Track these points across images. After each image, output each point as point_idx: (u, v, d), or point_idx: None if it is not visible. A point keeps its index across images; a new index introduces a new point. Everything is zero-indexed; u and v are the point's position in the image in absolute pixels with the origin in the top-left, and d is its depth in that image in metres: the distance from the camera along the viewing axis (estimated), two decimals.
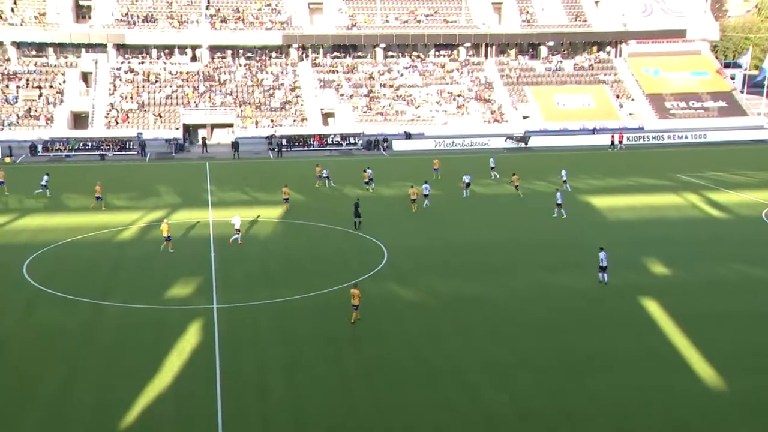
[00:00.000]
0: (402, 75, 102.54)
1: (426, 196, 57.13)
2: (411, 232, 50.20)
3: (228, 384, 28.10)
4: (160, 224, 47.20)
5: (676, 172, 70.88)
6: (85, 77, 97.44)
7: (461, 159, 78.82)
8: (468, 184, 59.85)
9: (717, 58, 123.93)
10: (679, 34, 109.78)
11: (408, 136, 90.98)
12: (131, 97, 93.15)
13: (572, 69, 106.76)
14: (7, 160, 76.33)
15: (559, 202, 54.02)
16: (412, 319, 34.49)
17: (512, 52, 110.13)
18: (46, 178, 61.41)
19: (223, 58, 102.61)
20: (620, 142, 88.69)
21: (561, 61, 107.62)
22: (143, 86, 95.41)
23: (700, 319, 34.31)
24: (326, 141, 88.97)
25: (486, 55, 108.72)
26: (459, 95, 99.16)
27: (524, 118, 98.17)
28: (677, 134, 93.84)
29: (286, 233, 49.69)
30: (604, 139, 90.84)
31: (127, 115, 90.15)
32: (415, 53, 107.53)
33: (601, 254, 38.30)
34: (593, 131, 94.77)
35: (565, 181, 63.68)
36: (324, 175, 64.95)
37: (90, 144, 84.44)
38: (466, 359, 30.24)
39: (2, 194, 61.29)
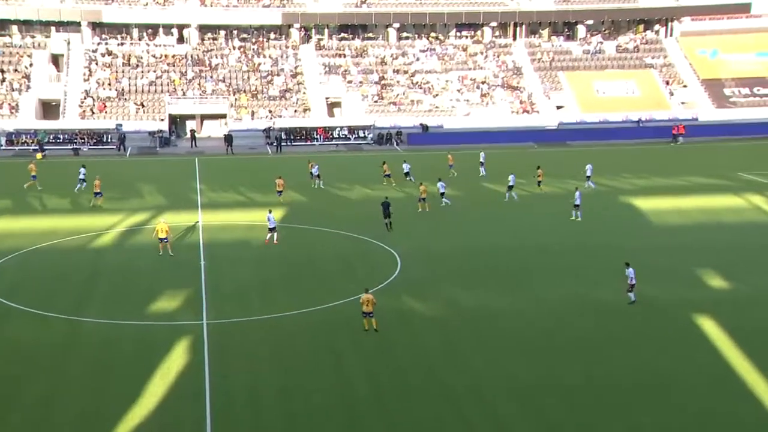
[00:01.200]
0: (418, 59, 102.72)
1: (442, 194, 57.33)
2: (425, 236, 50.38)
3: (219, 410, 28.20)
4: (145, 227, 47.50)
5: (736, 170, 70.73)
6: (56, 60, 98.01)
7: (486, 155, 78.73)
8: (511, 186, 59.63)
9: None
10: (743, 9, 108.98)
11: (425, 128, 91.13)
12: (109, 84, 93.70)
13: (614, 51, 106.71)
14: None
15: (577, 202, 54.09)
16: (428, 335, 34.55)
17: (545, 32, 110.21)
18: (83, 171, 63.14)
19: (215, 39, 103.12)
20: (681, 134, 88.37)
21: (601, 43, 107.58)
22: (123, 71, 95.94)
23: (761, 336, 34.23)
24: (332, 134, 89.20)
25: (514, 37, 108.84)
26: (483, 82, 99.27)
27: (558, 108, 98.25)
28: (738, 126, 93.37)
29: (285, 239, 49.77)
30: (652, 133, 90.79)
31: (104, 104, 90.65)
32: (433, 34, 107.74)
33: (629, 271, 37.96)
34: (638, 123, 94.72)
35: (588, 177, 63.77)
36: (314, 173, 64.80)
37: (61, 137, 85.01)
38: (490, 381, 30.28)
39: (35, 189, 62.94)
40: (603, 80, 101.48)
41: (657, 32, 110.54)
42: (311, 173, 64.63)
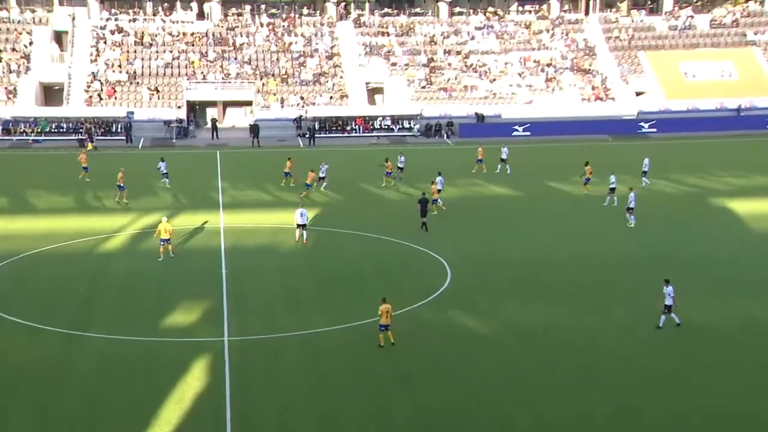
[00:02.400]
0: (473, 38, 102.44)
1: (439, 191, 56.87)
2: (478, 242, 50.37)
3: None
4: (155, 231, 47.76)
5: None
6: (59, 38, 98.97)
7: (557, 149, 78.41)
8: (613, 189, 58.69)
9: None
10: None
11: (480, 118, 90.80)
12: (119, 66, 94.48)
13: (707, 26, 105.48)
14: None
15: (632, 205, 53.61)
16: (483, 358, 34.25)
17: (623, 5, 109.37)
18: (163, 165, 64.70)
19: (240, 15, 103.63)
20: None
21: (692, 17, 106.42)
22: (135, 51, 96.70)
23: None
24: (372, 125, 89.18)
25: (587, 11, 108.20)
26: (549, 65, 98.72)
27: (637, 95, 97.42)
28: None
29: (317, 244, 49.76)
30: (753, 123, 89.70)
31: (113, 88, 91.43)
32: (490, 9, 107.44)
33: (667, 289, 37.00)
34: (738, 112, 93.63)
35: (644, 172, 62.89)
36: (321, 174, 63.76)
37: (65, 126, 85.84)
38: (555, 411, 29.93)
39: (84, 180, 65.32)
40: (693, 61, 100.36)
41: (762, 2, 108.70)
42: (319, 176, 63.51)
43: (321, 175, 63.60)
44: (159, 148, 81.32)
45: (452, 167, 70.56)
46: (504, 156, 70.11)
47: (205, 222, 54.35)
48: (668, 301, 36.84)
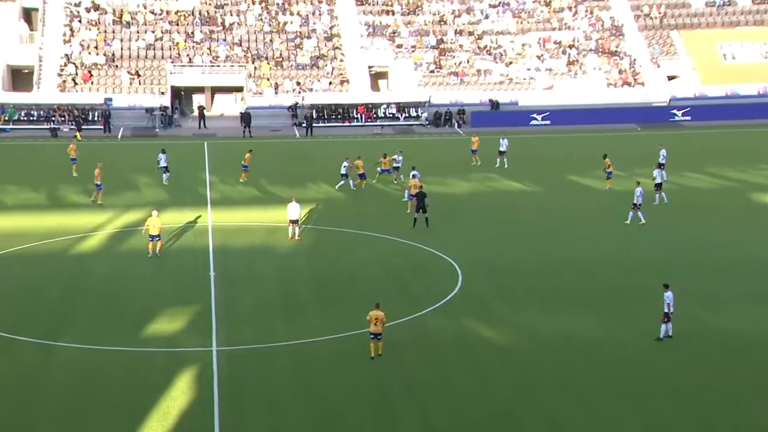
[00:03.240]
0: (487, 17, 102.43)
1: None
2: (491, 242, 50.47)
3: None
4: (140, 229, 47.88)
5: None
6: (28, 16, 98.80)
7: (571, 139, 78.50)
8: (659, 185, 58.65)
9: None
10: None
11: (494, 105, 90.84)
12: (96, 47, 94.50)
13: (749, 2, 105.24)
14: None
15: (638, 201, 53.74)
16: (498, 370, 34.31)
17: None
18: (163, 157, 64.50)
19: None
20: None
21: None
22: (113, 31, 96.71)
23: None
24: (376, 113, 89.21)
25: None
26: (571, 46, 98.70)
27: (670, 79, 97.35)
28: None
29: (315, 244, 49.83)
30: None
31: (90, 72, 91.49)
32: None
33: (666, 295, 36.51)
34: None
35: (661, 164, 62.76)
36: (395, 164, 64.57)
37: (36, 113, 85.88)
38: (577, 429, 30.07)
39: (72, 174, 65.39)
40: (733, 41, 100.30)
41: None
42: (394, 166, 64.19)
43: (396, 165, 64.47)
44: (141, 139, 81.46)
45: (464, 160, 70.65)
46: (503, 148, 70.19)
47: (192, 220, 54.42)
48: (667, 309, 36.39)
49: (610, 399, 32.19)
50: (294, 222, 50.15)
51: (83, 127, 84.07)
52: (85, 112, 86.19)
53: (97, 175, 58.60)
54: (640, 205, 53.79)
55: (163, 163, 64.36)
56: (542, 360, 35.28)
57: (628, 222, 53.75)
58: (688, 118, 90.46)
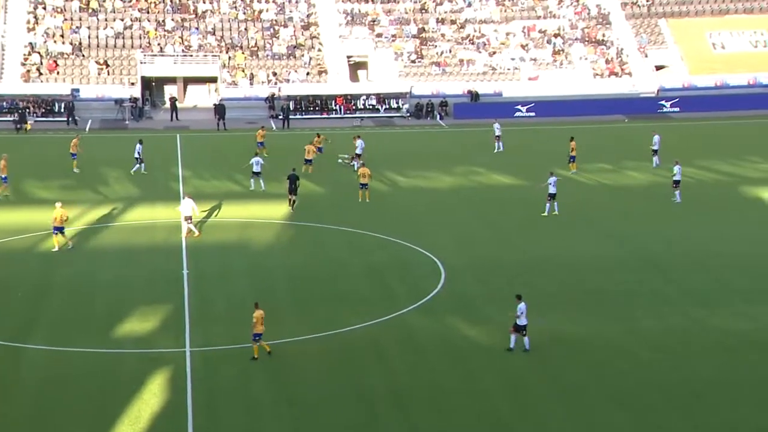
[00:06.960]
0: (470, 5, 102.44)
1: (358, 155, 56.91)
2: (478, 240, 50.49)
3: None
4: (110, 225, 47.84)
5: None
6: None
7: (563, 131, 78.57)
8: (677, 181, 58.03)
9: None
10: None
11: (474, 97, 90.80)
12: (62, 36, 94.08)
13: None
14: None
15: (552, 191, 54.04)
16: (484, 372, 34.36)
17: None
18: (139, 147, 64.95)
19: None
20: None
21: None
22: (80, 18, 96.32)
23: None
24: (355, 105, 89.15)
25: None
26: (556, 35, 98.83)
27: (658, 69, 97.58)
28: None
29: (292, 241, 49.82)
30: None
31: (55, 62, 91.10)
32: None
33: (520, 306, 35.93)
34: None
35: (655, 151, 63.74)
36: (357, 150, 65.17)
37: None
38: (569, 429, 30.07)
39: (72, 169, 65.42)
40: (723, 30, 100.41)
41: None
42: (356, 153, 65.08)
43: (357, 152, 65.17)
44: (110, 131, 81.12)
45: (447, 153, 70.73)
46: (497, 132, 72.60)
47: (165, 215, 54.27)
48: (522, 321, 35.88)
49: (600, 399, 32.30)
50: (188, 219, 49.93)
51: (49, 119, 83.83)
52: (49, 104, 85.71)
53: (2, 168, 58.23)
54: (553, 194, 53.87)
55: (136, 154, 64.62)
56: (531, 361, 35.30)
57: (545, 214, 54.08)
58: (677, 109, 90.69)
